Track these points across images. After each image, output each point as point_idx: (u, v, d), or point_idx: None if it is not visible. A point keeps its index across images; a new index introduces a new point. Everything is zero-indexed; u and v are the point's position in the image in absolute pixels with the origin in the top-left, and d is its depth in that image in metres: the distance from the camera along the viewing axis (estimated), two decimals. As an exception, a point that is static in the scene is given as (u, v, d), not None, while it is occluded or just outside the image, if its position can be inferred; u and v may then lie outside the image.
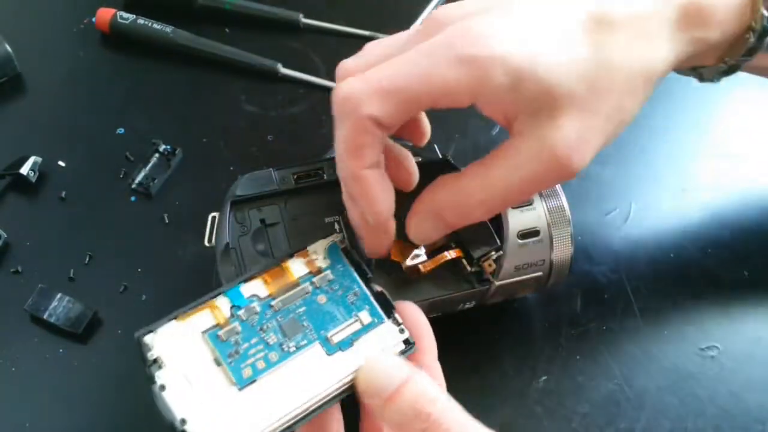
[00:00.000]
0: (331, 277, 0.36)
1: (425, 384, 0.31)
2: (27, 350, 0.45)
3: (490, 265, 0.40)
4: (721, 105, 0.55)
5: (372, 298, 0.36)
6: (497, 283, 0.40)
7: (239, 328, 0.34)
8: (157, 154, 0.53)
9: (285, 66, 0.58)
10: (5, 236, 0.49)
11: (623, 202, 0.51)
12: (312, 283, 0.36)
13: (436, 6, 0.62)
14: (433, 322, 0.37)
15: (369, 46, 0.38)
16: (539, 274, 0.42)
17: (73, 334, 0.45)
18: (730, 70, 0.40)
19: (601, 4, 0.35)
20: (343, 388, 0.33)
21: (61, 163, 0.53)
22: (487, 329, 0.46)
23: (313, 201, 0.41)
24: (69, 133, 0.55)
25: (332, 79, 0.58)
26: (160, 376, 0.32)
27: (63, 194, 0.52)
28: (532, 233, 0.40)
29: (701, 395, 0.44)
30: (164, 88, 0.58)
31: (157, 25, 0.59)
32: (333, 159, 0.41)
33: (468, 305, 0.42)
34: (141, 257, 0.49)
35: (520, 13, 0.34)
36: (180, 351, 0.33)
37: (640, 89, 0.36)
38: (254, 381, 0.33)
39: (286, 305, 0.35)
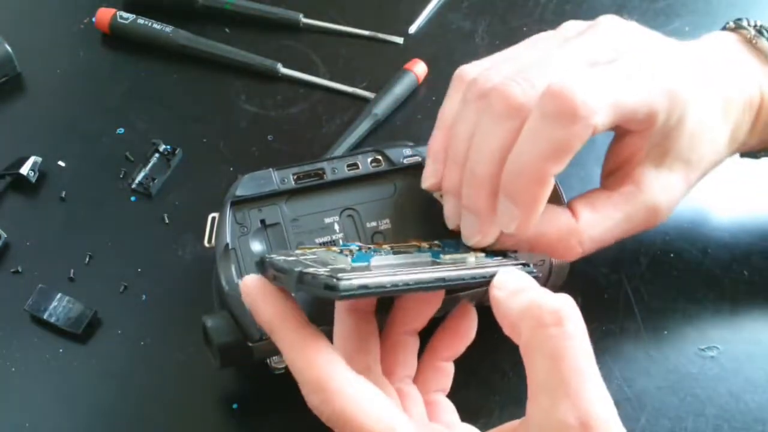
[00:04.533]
0: (439, 245, 0.38)
1: (570, 301, 0.31)
2: (27, 350, 0.45)
3: None
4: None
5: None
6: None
7: (352, 249, 0.35)
8: (157, 154, 0.53)
9: (285, 66, 0.58)
10: (5, 236, 0.49)
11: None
12: (422, 246, 0.37)
13: (436, 6, 0.62)
14: (433, 323, 0.37)
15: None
16: (539, 275, 0.41)
17: (73, 334, 0.45)
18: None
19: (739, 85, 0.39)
20: (464, 277, 0.32)
21: (61, 163, 0.53)
22: (487, 330, 0.46)
23: (314, 201, 0.41)
24: (69, 133, 0.55)
25: (332, 79, 0.58)
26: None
27: (63, 194, 0.52)
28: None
29: (701, 395, 0.44)
30: (164, 88, 0.58)
31: (157, 25, 0.59)
32: (333, 159, 0.42)
33: (468, 305, 0.42)
34: (141, 257, 0.49)
35: (699, 70, 0.38)
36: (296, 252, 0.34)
37: (709, 168, 0.40)
38: (360, 262, 0.33)
39: (398, 249, 0.36)
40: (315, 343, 0.31)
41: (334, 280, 0.28)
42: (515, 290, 0.32)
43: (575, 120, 0.32)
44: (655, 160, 0.37)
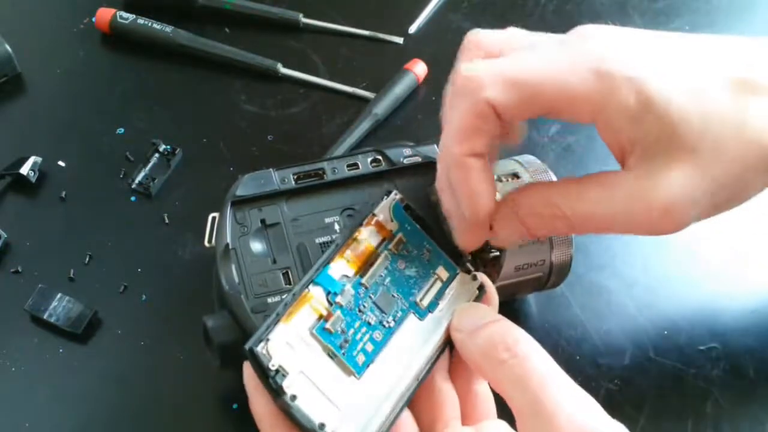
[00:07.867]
0: (403, 239, 0.37)
1: (513, 325, 0.33)
2: (27, 350, 0.45)
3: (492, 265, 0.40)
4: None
5: (442, 252, 0.38)
6: (497, 283, 0.40)
7: (342, 316, 0.35)
8: (157, 154, 0.53)
9: (285, 66, 0.58)
10: (5, 236, 0.49)
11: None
12: (389, 250, 0.37)
13: (436, 6, 0.62)
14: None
15: (513, 30, 0.37)
16: (539, 274, 0.42)
17: (73, 334, 0.45)
18: None
19: (751, 68, 0.33)
20: (442, 344, 0.36)
21: (61, 163, 0.53)
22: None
23: (314, 201, 0.41)
24: (69, 133, 0.55)
25: (332, 79, 0.58)
26: (289, 386, 0.32)
27: (63, 194, 0.52)
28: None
29: (701, 395, 0.44)
30: (164, 88, 0.58)
31: (157, 25, 0.59)
32: (333, 159, 0.42)
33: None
34: (141, 257, 0.49)
35: (666, 51, 0.34)
36: (295, 354, 0.33)
37: (740, 160, 0.33)
38: (369, 366, 0.34)
39: (374, 279, 0.36)
40: None
41: None
42: (471, 330, 0.34)
43: (464, 95, 0.33)
44: (646, 150, 0.33)
